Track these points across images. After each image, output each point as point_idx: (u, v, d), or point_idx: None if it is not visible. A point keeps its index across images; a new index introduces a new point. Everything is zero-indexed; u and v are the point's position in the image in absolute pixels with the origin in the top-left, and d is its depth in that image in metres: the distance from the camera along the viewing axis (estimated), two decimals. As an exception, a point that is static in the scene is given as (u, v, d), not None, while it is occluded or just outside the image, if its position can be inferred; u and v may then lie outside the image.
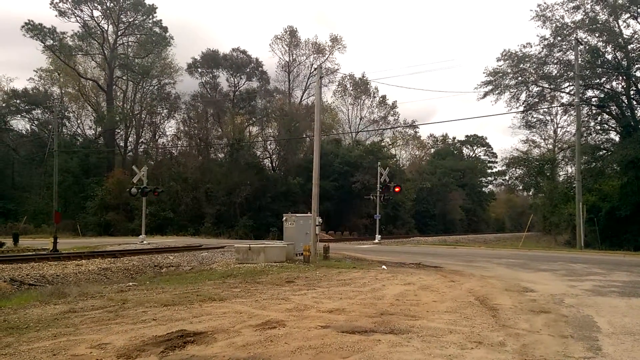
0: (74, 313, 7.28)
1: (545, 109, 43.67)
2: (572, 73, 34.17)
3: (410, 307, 8.04)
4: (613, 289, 10.73)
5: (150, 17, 54.96)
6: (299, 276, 12.30)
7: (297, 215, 19.06)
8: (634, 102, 36.52)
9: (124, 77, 55.73)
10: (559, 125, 52.41)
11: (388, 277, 12.25)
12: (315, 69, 57.42)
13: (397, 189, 31.37)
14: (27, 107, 53.43)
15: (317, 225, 16.25)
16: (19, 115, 54.45)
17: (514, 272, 14.16)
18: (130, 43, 56.61)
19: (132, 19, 55.00)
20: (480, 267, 15.88)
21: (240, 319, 6.81)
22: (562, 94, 40.56)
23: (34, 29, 49.81)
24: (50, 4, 50.74)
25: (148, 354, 5.03)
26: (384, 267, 15.00)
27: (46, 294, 8.92)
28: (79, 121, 57.37)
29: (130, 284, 11.28)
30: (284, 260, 16.01)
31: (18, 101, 53.17)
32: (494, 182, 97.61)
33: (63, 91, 56.85)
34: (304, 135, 50.90)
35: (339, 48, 59.84)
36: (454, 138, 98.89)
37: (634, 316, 7.62)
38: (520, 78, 39.29)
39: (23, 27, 49.47)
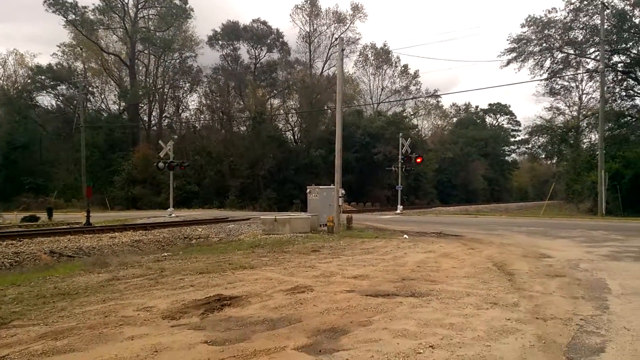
0: (117, 280, 7.91)
1: (570, 76, 42.61)
2: (598, 38, 33.20)
3: (431, 273, 8.42)
4: (629, 254, 10.95)
5: (170, -12, 54.85)
6: (324, 245, 12.81)
7: (321, 187, 19.49)
8: (660, 68, 35.45)
9: (146, 51, 56.11)
10: (584, 92, 50.83)
11: (409, 246, 12.65)
12: (336, 39, 57.20)
13: (418, 160, 31.43)
14: (52, 83, 54.33)
15: (340, 197, 16.68)
16: (44, 92, 55.48)
17: (533, 240, 14.41)
18: (151, 16, 56.67)
19: (152, -9, 54.95)
20: (500, 235, 16.16)
21: (271, 285, 7.31)
22: (588, 60, 39.56)
23: (56, 4, 50.36)
24: (71, -22, 51.02)
25: (190, 316, 5.55)
26: (405, 236, 15.41)
27: (89, 263, 9.63)
28: (102, 96, 58.17)
29: (165, 254, 11.97)
30: (308, 231, 16.55)
31: (43, 77, 54.10)
32: (517, 150, 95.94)
33: (86, 66, 57.44)
34: (326, 107, 50.94)
35: (360, 17, 59.28)
36: (477, 107, 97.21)
37: (647, 280, 7.86)
38: (544, 44, 38.43)
39: (45, 1, 50.11)
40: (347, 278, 7.91)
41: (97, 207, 40.73)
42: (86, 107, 52.16)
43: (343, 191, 17.08)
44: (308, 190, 18.79)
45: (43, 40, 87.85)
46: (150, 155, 44.35)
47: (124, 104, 56.40)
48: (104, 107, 57.99)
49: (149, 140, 51.94)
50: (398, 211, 31.78)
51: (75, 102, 51.70)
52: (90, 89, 55.91)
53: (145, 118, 57.27)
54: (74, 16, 51.64)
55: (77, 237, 16.30)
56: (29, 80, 54.86)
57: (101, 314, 5.60)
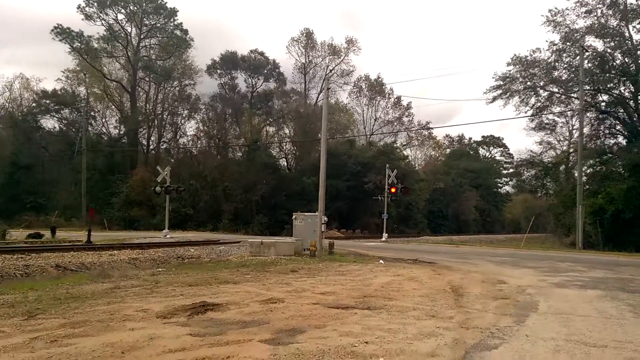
0: (118, 289, 9.19)
1: (554, 113, 44.43)
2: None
3: (391, 293, 9.63)
4: (578, 282, 11.94)
5: (172, 20, 57.49)
6: (303, 267, 14.07)
7: (306, 214, 20.87)
8: (641, 107, 37.27)
9: (147, 79, 58.31)
10: (574, 127, 52.29)
11: (381, 270, 13.88)
12: (331, 70, 59.47)
13: (404, 191, 32.87)
14: (55, 106, 56.33)
15: (322, 224, 17.99)
16: (48, 115, 57.44)
17: (499, 268, 15.49)
18: (152, 45, 59.14)
19: (154, 22, 57.52)
20: (471, 263, 17.27)
21: (248, 296, 8.59)
22: (574, 97, 41.28)
23: (63, 33, 52.68)
24: (77, 8, 53.56)
25: (179, 316, 6.82)
26: (381, 261, 16.65)
27: (94, 275, 10.92)
28: (104, 120, 60.19)
29: (160, 269, 13.25)
30: (292, 254, 17.80)
31: (47, 101, 56.11)
32: (509, 183, 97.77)
33: (89, 91, 59.45)
34: (319, 136, 52.60)
35: (354, 50, 61.50)
36: (470, 139, 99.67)
37: (575, 302, 8.99)
38: (529, 83, 40.33)
39: (52, 30, 52.39)
40: (316, 294, 9.17)
41: (95, 227, 41.74)
42: (88, 130, 53.88)
43: (326, 218, 18.42)
44: (294, 217, 20.16)
45: (48, 65, 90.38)
46: (148, 178, 45.78)
47: (124, 128, 58.20)
48: (104, 131, 59.89)
49: (147, 163, 53.51)
50: (383, 239, 33.03)
51: (77, 125, 53.48)
52: (92, 113, 57.82)
53: (144, 142, 59.07)
54: (79, 44, 53.91)
55: (79, 254, 17.45)
56: (34, 104, 56.81)
57: (107, 313, 6.88)
